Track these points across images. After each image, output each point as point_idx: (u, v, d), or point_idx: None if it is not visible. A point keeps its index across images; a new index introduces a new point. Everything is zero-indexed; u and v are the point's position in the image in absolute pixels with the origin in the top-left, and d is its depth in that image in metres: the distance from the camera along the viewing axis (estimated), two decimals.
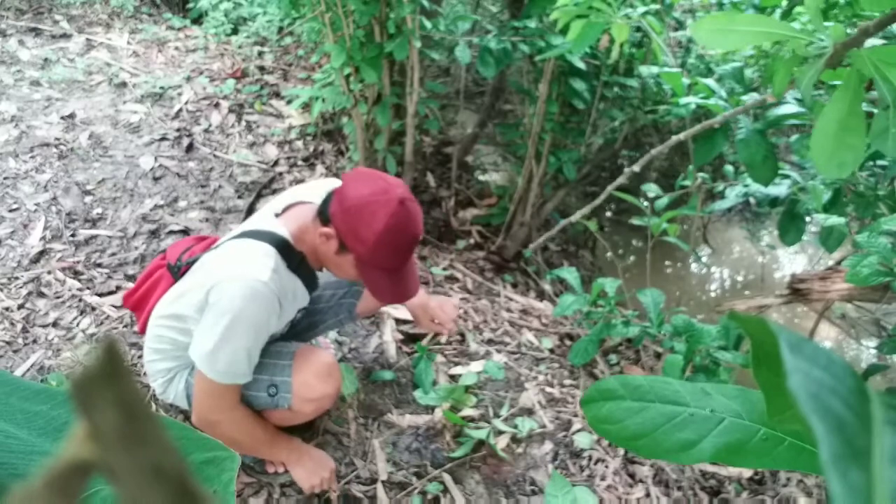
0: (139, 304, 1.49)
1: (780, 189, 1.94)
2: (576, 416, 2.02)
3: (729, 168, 2.34)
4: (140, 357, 1.68)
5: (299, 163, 2.89)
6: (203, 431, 1.34)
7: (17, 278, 1.99)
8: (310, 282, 1.41)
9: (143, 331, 1.46)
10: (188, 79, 3.19)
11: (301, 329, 1.63)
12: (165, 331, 1.37)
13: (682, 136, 1.89)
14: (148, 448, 0.19)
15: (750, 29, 0.95)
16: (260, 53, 3.57)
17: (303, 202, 1.39)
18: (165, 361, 1.43)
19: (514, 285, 2.86)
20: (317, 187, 1.46)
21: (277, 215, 1.37)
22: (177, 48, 3.54)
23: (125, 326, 1.93)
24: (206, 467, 0.40)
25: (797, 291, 2.16)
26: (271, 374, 1.39)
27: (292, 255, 1.32)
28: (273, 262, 1.26)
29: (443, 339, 2.15)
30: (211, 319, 1.24)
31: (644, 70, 2.17)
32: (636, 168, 2.03)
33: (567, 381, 2.19)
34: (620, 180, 2.10)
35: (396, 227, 1.22)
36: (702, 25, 0.96)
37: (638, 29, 2.07)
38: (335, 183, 1.51)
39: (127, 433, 0.19)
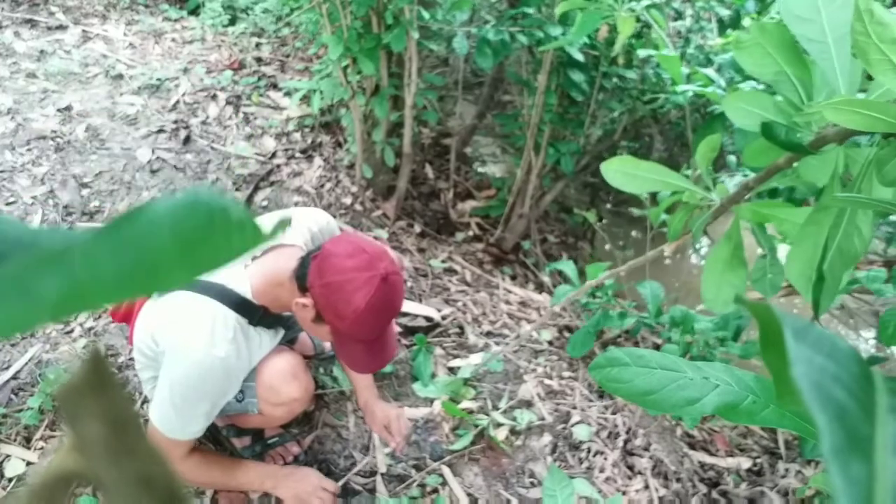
0: (125, 317, 1.48)
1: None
2: (574, 408, 2.02)
3: (732, 159, 2.33)
4: None
5: (297, 155, 2.88)
6: None
7: None
8: (274, 325, 1.39)
9: (132, 343, 1.45)
10: (185, 70, 3.17)
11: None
12: (142, 345, 1.36)
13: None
14: (135, 459, 0.19)
15: (651, 176, 1.09)
16: (257, 45, 3.55)
17: (283, 245, 1.35)
18: (151, 370, 1.42)
19: (513, 277, 2.85)
20: (302, 221, 1.43)
21: (255, 258, 1.33)
22: (173, 39, 3.52)
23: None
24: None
25: None
26: None
27: (253, 313, 1.30)
28: (231, 332, 1.25)
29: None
30: (166, 385, 1.25)
31: (642, 52, 2.16)
32: None
33: (566, 374, 2.19)
34: None
35: (378, 306, 1.17)
36: (610, 165, 1.10)
37: (637, 19, 2.05)
38: (319, 217, 1.48)
39: (114, 444, 0.19)
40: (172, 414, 1.25)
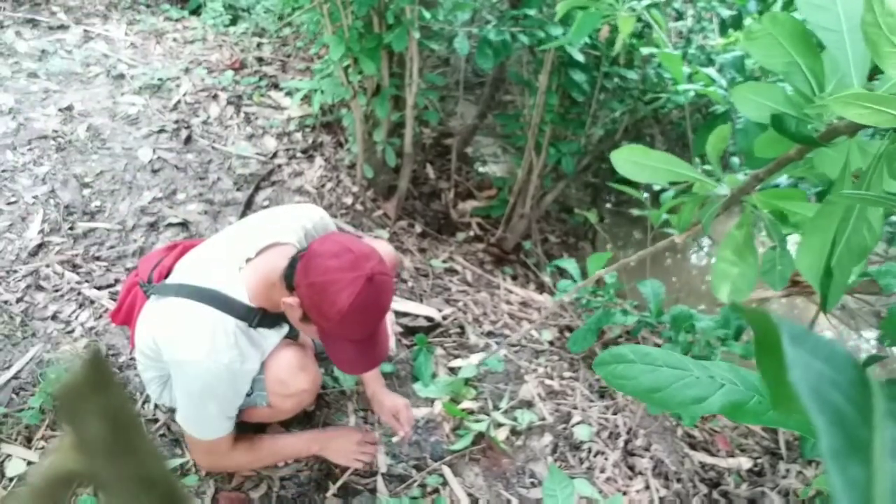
0: (126, 320, 1.48)
1: (779, 178, 1.93)
2: (575, 408, 2.02)
3: (734, 160, 2.33)
4: None
5: (298, 155, 2.88)
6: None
7: (15, 271, 1.98)
8: (276, 324, 1.39)
9: (133, 345, 1.45)
10: (186, 70, 3.18)
11: None
12: (144, 347, 1.36)
13: None
14: (135, 458, 0.19)
15: (661, 166, 1.08)
16: (258, 44, 3.55)
17: (279, 244, 1.34)
18: (154, 370, 1.42)
19: (514, 277, 2.85)
20: (297, 218, 1.43)
21: (249, 259, 1.32)
22: (175, 39, 3.52)
23: None
24: None
25: (797, 283, 2.16)
26: None
27: (251, 315, 1.29)
28: (232, 338, 1.25)
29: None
30: (182, 396, 1.27)
31: (643, 51, 2.15)
32: None
33: (567, 374, 2.19)
34: None
35: (362, 306, 1.16)
36: (620, 154, 1.09)
37: (638, 19, 2.05)
38: (313, 213, 1.48)
39: (114, 443, 0.18)
40: (196, 421, 1.30)
